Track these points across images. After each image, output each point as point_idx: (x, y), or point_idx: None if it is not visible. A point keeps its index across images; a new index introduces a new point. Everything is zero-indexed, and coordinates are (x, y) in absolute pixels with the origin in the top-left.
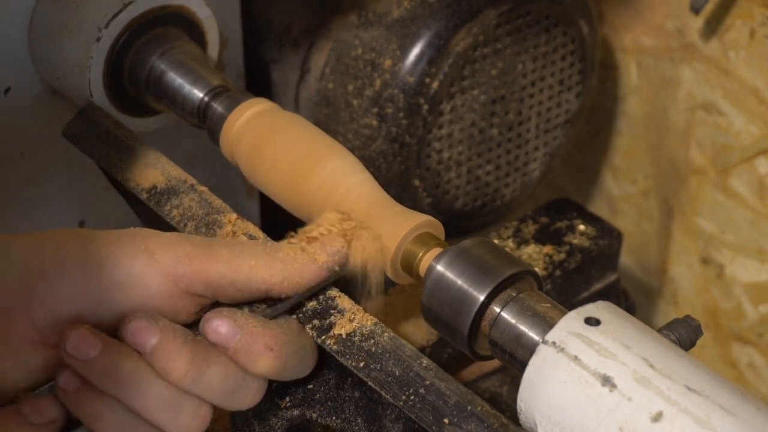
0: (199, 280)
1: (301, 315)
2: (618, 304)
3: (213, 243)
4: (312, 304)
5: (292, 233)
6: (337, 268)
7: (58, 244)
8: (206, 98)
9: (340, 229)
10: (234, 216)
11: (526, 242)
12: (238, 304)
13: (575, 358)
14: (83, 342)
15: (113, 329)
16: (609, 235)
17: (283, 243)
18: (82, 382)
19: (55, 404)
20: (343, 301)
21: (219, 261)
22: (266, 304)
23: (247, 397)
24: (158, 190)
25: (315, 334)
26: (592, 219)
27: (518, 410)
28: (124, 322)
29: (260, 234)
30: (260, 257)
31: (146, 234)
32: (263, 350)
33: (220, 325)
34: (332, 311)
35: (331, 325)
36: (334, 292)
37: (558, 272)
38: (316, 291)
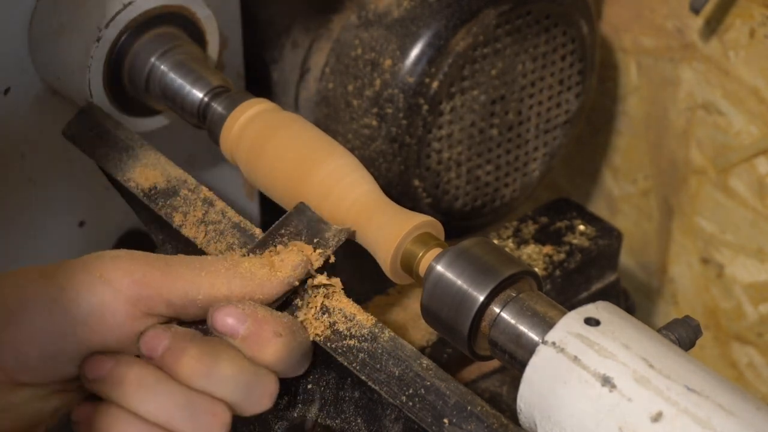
0: (160, 301)
1: (299, 314)
2: (618, 304)
3: (171, 262)
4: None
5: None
6: (297, 283)
7: (18, 288)
8: (206, 98)
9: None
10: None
11: (525, 242)
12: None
13: (575, 359)
14: (97, 362)
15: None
16: (609, 235)
17: (245, 257)
18: (92, 408)
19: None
20: (343, 302)
21: (178, 280)
22: None
23: (263, 394)
24: (158, 190)
25: (314, 334)
26: (592, 219)
27: (518, 410)
28: (142, 335)
29: (248, 224)
30: (220, 274)
31: (100, 261)
32: (271, 336)
33: (228, 314)
34: (332, 311)
35: (331, 325)
36: (335, 294)
37: (558, 272)
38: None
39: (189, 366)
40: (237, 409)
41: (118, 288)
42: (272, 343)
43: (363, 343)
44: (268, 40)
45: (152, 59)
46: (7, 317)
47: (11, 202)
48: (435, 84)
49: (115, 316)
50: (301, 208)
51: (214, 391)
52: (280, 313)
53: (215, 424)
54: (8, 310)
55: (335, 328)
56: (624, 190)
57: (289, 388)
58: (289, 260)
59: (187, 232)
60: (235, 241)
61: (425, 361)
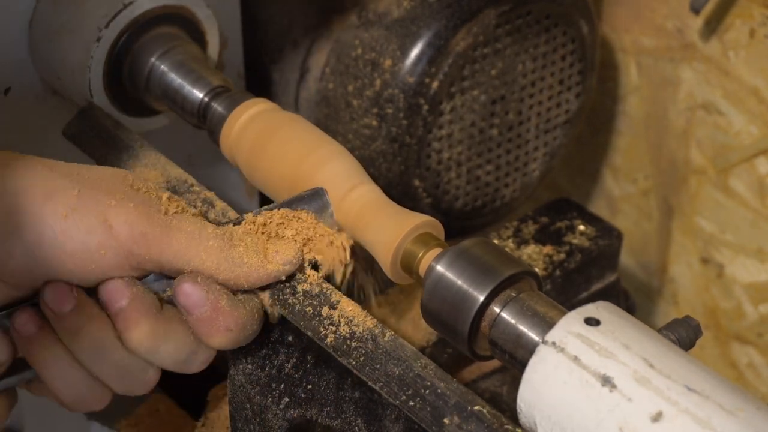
0: (151, 261)
1: (300, 314)
2: (618, 304)
3: (172, 225)
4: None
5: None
6: (283, 278)
7: (17, 203)
8: (206, 98)
9: (305, 235)
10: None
11: (526, 242)
12: None
13: (575, 359)
14: (60, 295)
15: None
16: (609, 235)
17: (243, 235)
18: (38, 328)
19: (5, 346)
20: (344, 302)
21: (173, 247)
22: None
23: (196, 366)
24: None
25: (315, 334)
26: (592, 219)
27: (518, 410)
28: (104, 282)
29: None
30: (212, 252)
31: (107, 201)
32: (222, 329)
33: (192, 292)
34: (332, 311)
35: (331, 325)
36: (335, 294)
37: (558, 272)
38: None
39: (138, 340)
40: (172, 371)
41: (116, 237)
42: (220, 335)
43: (363, 344)
44: (268, 40)
45: (152, 59)
46: (9, 229)
47: None
48: (435, 84)
49: (103, 261)
50: (320, 193)
51: (154, 361)
52: (241, 301)
53: (143, 384)
54: (14, 221)
55: (335, 328)
56: (624, 190)
57: (289, 388)
58: (283, 254)
59: None
60: None
61: (425, 361)
